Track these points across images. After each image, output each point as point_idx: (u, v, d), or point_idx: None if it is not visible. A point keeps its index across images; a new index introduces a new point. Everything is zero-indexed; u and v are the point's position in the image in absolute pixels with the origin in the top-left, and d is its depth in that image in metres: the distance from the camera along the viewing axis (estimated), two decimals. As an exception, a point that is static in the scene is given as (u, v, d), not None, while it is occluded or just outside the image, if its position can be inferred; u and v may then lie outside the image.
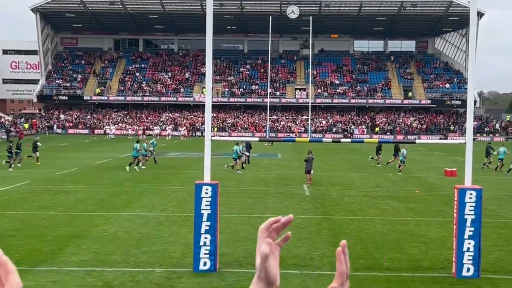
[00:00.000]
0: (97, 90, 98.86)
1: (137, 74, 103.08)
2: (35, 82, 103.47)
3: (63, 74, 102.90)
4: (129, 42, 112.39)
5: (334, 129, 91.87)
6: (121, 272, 14.67)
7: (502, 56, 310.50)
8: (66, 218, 21.52)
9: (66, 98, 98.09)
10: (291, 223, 1.83)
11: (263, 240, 1.80)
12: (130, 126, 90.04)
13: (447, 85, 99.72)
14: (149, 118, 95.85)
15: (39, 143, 41.69)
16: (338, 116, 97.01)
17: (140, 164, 38.60)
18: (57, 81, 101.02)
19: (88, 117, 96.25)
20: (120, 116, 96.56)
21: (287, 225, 1.85)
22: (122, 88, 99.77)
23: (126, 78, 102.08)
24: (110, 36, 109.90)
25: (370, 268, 15.23)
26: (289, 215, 1.84)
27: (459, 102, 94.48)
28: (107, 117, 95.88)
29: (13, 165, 38.07)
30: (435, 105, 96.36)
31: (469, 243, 14.46)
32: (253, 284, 1.79)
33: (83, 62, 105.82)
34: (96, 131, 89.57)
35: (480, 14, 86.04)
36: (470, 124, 15.07)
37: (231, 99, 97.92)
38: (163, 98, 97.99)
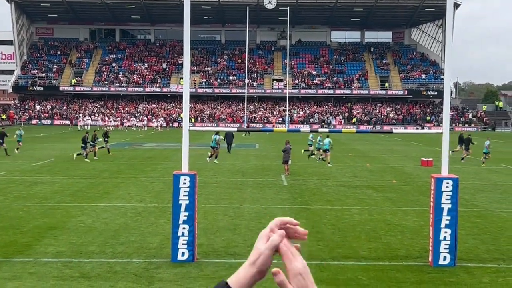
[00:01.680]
0: (73, 81, 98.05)
1: (114, 64, 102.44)
2: (10, 72, 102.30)
3: (38, 64, 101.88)
4: (105, 32, 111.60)
5: (311, 120, 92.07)
6: (98, 263, 14.60)
7: (477, 48, 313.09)
8: (42, 209, 21.35)
9: (42, 88, 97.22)
10: (305, 238, 1.84)
11: (270, 230, 1.81)
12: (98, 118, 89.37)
13: (423, 76, 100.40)
14: (126, 108, 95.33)
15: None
16: (315, 107, 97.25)
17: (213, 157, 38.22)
18: (32, 72, 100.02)
19: (64, 108, 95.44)
20: (96, 107, 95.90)
21: (300, 237, 1.84)
22: (99, 78, 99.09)
23: (102, 69, 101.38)
24: (86, 26, 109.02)
25: (347, 257, 15.32)
26: (305, 230, 1.85)
27: (435, 93, 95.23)
28: (83, 107, 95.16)
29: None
30: (411, 96, 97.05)
31: (446, 232, 14.59)
32: (243, 268, 1.79)
33: (58, 52, 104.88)
34: (74, 122, 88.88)
35: (456, 5, 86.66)
36: (446, 114, 15.18)
37: (208, 90, 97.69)
38: (140, 89, 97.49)
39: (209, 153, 38.44)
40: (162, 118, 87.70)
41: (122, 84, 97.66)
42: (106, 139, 41.56)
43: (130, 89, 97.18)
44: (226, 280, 1.77)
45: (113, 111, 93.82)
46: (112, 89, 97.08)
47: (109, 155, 40.67)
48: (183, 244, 14.64)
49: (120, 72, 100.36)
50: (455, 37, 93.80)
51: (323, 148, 37.48)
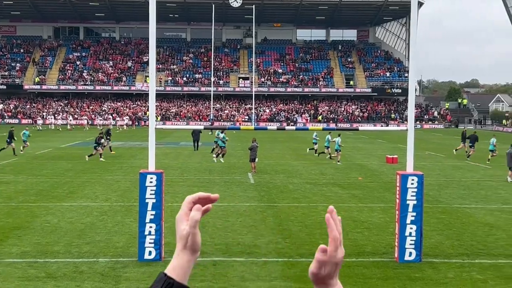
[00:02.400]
0: (37, 79, 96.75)
1: (78, 62, 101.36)
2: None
3: (1, 62, 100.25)
4: (69, 30, 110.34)
5: (277, 118, 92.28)
6: (64, 263, 14.46)
7: (441, 46, 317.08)
8: (6, 209, 21.05)
9: (4, 87, 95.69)
10: (216, 200, 1.86)
11: (187, 209, 1.81)
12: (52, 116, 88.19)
13: (388, 74, 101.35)
14: (91, 107, 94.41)
15: None
16: (281, 105, 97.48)
17: None
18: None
19: (28, 106, 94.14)
20: (60, 105, 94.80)
21: (213, 202, 1.86)
22: (63, 77, 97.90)
23: (66, 67, 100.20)
24: (49, 24, 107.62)
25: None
26: (216, 194, 1.85)
27: (399, 91, 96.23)
28: (47, 106, 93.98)
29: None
30: (376, 94, 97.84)
31: (411, 228, 14.75)
32: (176, 256, 1.79)
33: (22, 50, 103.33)
34: (42, 121, 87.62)
35: (419, 4, 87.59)
36: (411, 112, 15.34)
37: (174, 88, 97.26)
38: (104, 87, 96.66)
39: (215, 153, 38.07)
40: (127, 117, 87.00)
41: (87, 83, 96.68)
42: (108, 137, 41.31)
43: (94, 87, 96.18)
44: (164, 272, 1.77)
45: (77, 110, 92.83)
46: (79, 87, 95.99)
47: (111, 153, 40.33)
48: (150, 243, 14.57)
49: (84, 71, 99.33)
50: (419, 36, 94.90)
51: (335, 148, 37.68)
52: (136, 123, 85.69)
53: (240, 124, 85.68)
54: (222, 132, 37.81)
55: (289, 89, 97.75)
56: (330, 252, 1.77)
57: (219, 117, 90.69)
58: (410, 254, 14.77)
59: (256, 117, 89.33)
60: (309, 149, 42.15)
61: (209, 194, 1.86)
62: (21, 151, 40.37)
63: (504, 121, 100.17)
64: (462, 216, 20.88)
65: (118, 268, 14.06)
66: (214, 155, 37.75)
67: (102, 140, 38.10)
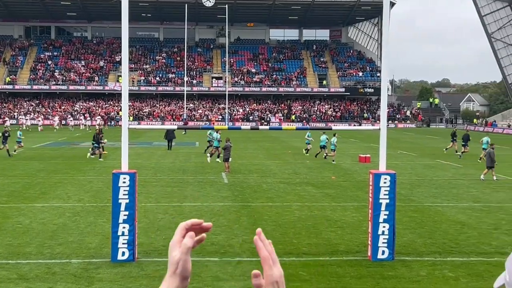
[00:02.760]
0: (7, 79, 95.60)
1: (49, 62, 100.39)
2: None
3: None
4: (40, 30, 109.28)
5: (251, 118, 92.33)
6: (36, 264, 14.31)
7: (413, 45, 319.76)
8: (-24, 210, 20.78)
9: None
10: (210, 230, 1.86)
11: (180, 236, 1.81)
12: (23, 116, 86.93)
13: (360, 74, 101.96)
14: (63, 107, 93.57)
15: None
16: (255, 105, 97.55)
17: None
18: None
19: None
20: (32, 105, 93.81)
21: (206, 231, 1.87)
22: (34, 76, 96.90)
23: (37, 67, 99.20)
24: (20, 24, 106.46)
25: (288, 254, 15.43)
26: (209, 223, 1.86)
27: (372, 90, 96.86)
28: (18, 106, 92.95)
29: None
30: (349, 93, 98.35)
31: (384, 227, 14.85)
32: (165, 281, 1.80)
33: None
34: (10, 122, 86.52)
35: (391, 4, 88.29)
36: (383, 111, 15.44)
37: (147, 88, 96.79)
38: (76, 87, 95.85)
39: (208, 153, 37.83)
40: (99, 117, 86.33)
41: (59, 82, 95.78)
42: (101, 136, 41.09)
43: (66, 87, 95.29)
44: None
45: (49, 110, 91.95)
46: (48, 87, 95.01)
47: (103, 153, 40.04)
48: (123, 243, 14.49)
49: (56, 70, 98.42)
50: (391, 36, 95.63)
51: (331, 148, 37.96)
52: (109, 123, 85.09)
53: (213, 123, 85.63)
54: (216, 132, 37.58)
55: (262, 89, 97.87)
56: (266, 272, 1.76)
57: (193, 117, 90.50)
58: (383, 252, 14.87)
59: (229, 117, 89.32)
60: (305, 150, 41.96)
61: (202, 220, 1.85)
62: (15, 151, 39.75)
63: (475, 120, 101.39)
64: (434, 214, 21.09)
65: (91, 269, 13.96)
66: (208, 155, 37.53)
67: (105, 140, 38.30)
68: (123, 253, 14.51)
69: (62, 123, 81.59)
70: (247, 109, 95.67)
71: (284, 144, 51.96)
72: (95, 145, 37.59)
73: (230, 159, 32.32)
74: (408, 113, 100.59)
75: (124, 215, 14.47)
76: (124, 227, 14.48)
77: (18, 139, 40.05)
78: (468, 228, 18.91)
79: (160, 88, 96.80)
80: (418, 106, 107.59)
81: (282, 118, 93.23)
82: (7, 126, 44.10)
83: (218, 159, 36.60)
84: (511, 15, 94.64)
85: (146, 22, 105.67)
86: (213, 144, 37.63)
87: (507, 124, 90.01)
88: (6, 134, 38.52)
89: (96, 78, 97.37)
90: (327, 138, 39.05)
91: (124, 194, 14.45)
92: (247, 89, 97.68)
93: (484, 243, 16.97)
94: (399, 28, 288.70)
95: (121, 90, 15.26)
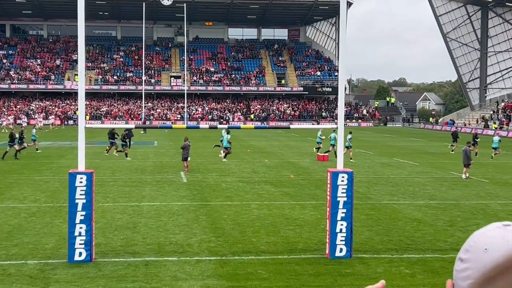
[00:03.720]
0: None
1: (4, 61, 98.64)
2: None
3: None
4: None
5: (210, 117, 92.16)
6: (-9, 266, 14.06)
7: (370, 45, 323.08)
8: None
9: None
10: None
11: None
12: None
13: (318, 73, 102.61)
14: (18, 106, 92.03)
15: None
16: (214, 104, 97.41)
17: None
18: None
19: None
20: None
21: None
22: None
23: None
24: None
25: (247, 252, 15.46)
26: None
27: (330, 89, 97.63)
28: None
29: None
30: (307, 92, 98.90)
31: (342, 225, 14.98)
32: None
33: None
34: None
35: (348, 4, 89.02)
36: (341, 110, 15.58)
37: (105, 87, 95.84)
38: (32, 86, 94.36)
39: (223, 152, 37.94)
40: (52, 116, 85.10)
41: (14, 81, 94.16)
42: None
43: (22, 86, 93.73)
44: None
45: (4, 109, 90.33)
46: (3, 86, 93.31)
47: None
48: (80, 244, 14.33)
49: (11, 69, 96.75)
50: (348, 35, 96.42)
51: (345, 145, 37.36)
52: (66, 122, 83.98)
53: (172, 122, 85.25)
54: (228, 133, 37.80)
55: (221, 88, 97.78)
56: None
57: (151, 116, 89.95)
58: (341, 250, 14.99)
59: (188, 116, 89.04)
60: (316, 149, 41.65)
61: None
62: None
63: (431, 119, 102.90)
64: (391, 212, 21.34)
65: (47, 270, 13.78)
66: (222, 154, 37.87)
67: (116, 136, 38.72)
68: (80, 254, 14.35)
69: (18, 122, 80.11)
70: (206, 108, 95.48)
71: (243, 143, 51.98)
72: (110, 141, 38.52)
73: (189, 158, 32.23)
74: (364, 112, 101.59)
75: (81, 215, 14.32)
76: (81, 228, 14.33)
77: (33, 137, 41.30)
78: (424, 225, 19.18)
79: (117, 87, 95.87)
80: (376, 105, 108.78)
81: (241, 117, 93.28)
82: (13, 129, 43.79)
83: (224, 159, 37.19)
84: (466, 15, 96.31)
85: (103, 20, 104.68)
86: (224, 144, 37.88)
87: (462, 122, 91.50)
88: None
89: (53, 77, 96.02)
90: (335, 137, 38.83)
91: (81, 194, 14.30)
92: (206, 88, 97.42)
93: (440, 240, 17.24)
94: (357, 28, 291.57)
95: (77, 89, 15.09)
